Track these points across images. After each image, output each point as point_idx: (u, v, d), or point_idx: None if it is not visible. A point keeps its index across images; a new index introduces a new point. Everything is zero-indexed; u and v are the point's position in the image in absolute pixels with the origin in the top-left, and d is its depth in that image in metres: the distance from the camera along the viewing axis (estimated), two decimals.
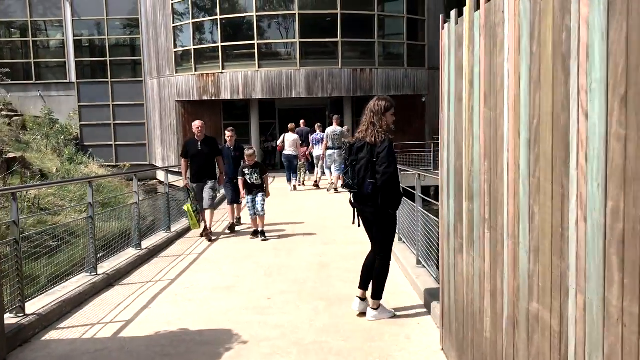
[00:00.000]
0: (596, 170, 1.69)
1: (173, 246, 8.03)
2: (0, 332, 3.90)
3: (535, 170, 2.18)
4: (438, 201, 4.06)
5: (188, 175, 8.51)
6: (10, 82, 24.18)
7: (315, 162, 14.67)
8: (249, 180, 8.12)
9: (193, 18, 20.71)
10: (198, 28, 21.00)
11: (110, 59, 24.71)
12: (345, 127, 15.11)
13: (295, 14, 19.39)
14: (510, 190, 2.46)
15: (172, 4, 21.10)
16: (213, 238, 8.30)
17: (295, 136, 14.25)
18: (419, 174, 6.26)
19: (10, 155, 12.60)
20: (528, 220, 2.26)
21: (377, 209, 4.43)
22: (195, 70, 20.46)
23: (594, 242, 1.72)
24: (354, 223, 4.73)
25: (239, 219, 9.35)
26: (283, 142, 14.39)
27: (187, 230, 8.85)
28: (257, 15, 19.59)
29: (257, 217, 8.11)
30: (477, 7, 2.87)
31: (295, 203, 12.20)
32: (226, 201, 9.76)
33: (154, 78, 22.80)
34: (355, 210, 4.66)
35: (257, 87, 19.59)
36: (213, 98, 20.29)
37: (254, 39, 19.59)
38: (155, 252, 7.47)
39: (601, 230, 1.66)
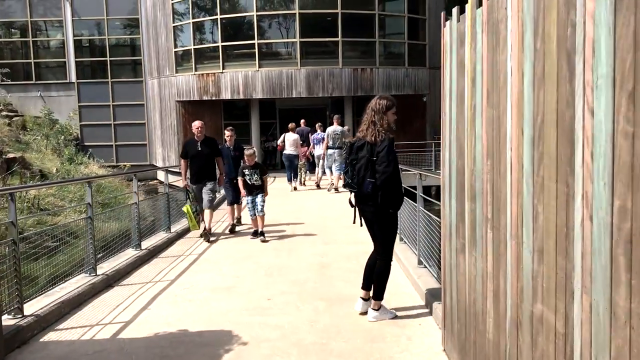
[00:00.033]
0: (602, 168, 1.65)
1: (173, 246, 7.99)
2: None
3: (539, 169, 2.14)
4: (439, 201, 4.03)
5: (188, 175, 8.47)
6: (10, 82, 24.18)
7: (316, 161, 14.65)
8: (248, 181, 8.08)
9: (193, 18, 20.68)
10: (198, 28, 20.97)
11: (111, 59, 24.68)
12: (346, 127, 15.07)
13: (295, 13, 19.36)
14: (514, 190, 2.42)
15: (172, 3, 21.06)
16: (212, 239, 8.26)
17: (296, 136, 14.23)
18: (420, 174, 6.22)
19: (10, 155, 12.57)
20: (532, 220, 2.22)
21: (377, 208, 4.40)
22: (196, 70, 20.43)
23: (600, 242, 1.68)
24: (354, 222, 4.70)
25: (239, 219, 9.30)
26: (283, 141, 14.37)
27: (187, 230, 8.81)
28: (257, 15, 19.55)
29: (257, 217, 8.07)
30: (480, 4, 2.83)
31: (295, 203, 12.17)
32: (226, 202, 9.71)
33: (154, 78, 22.77)
34: (357, 209, 4.63)
35: (257, 87, 19.55)
36: (213, 98, 20.26)
37: (254, 39, 19.55)
38: (155, 252, 7.44)
39: (607, 230, 1.63)
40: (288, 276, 6.05)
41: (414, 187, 6.21)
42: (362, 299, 4.75)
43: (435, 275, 5.24)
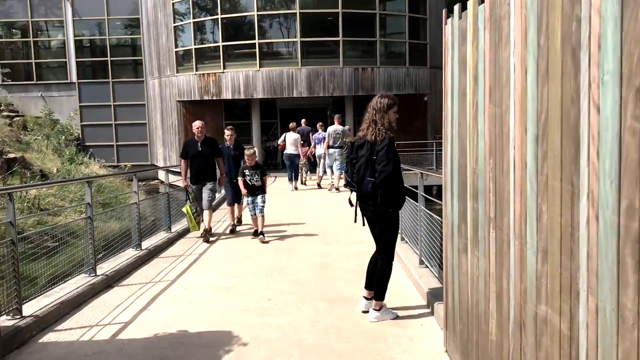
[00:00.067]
0: (609, 166, 1.61)
1: (173, 246, 7.95)
2: None
3: (543, 168, 2.10)
4: (441, 200, 3.99)
5: (188, 175, 8.42)
6: (11, 82, 24.18)
7: (317, 161, 14.64)
8: (249, 182, 8.03)
9: (194, 18, 20.65)
10: (199, 28, 20.94)
11: (111, 59, 24.66)
12: (347, 126, 15.07)
13: (296, 13, 19.32)
14: (517, 189, 2.38)
15: (173, 3, 21.04)
16: (212, 239, 8.23)
17: (297, 135, 14.23)
18: (422, 173, 6.18)
19: (11, 155, 12.55)
20: (536, 220, 2.19)
21: (377, 207, 4.38)
22: (197, 70, 20.40)
23: (606, 242, 1.64)
24: (355, 222, 4.67)
25: (239, 218, 9.24)
26: (284, 141, 14.37)
27: (187, 230, 8.77)
28: (258, 15, 19.52)
29: (257, 217, 8.03)
30: (482, 1, 2.79)
31: (296, 203, 12.13)
32: (226, 202, 9.67)
33: (155, 78, 22.75)
34: (358, 208, 4.60)
35: (258, 87, 19.52)
36: (214, 98, 20.23)
37: (255, 39, 19.52)
38: (155, 252, 7.40)
39: (614, 230, 1.59)
40: (288, 276, 6.01)
41: (415, 187, 6.17)
42: (365, 298, 4.73)
43: (437, 275, 5.20)
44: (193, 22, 20.62)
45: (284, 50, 20.45)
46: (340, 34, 19.31)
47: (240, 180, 8.07)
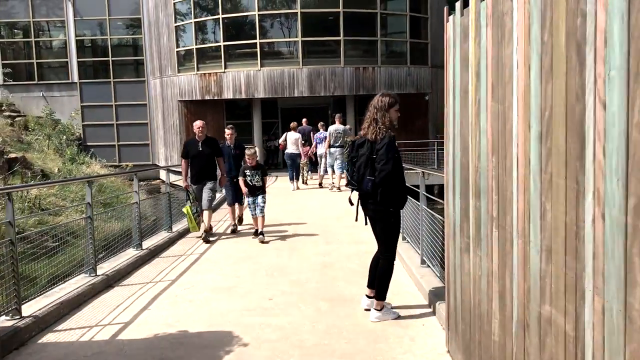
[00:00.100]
0: (615, 164, 1.58)
1: (174, 246, 7.92)
2: None
3: (547, 166, 2.07)
4: (442, 199, 3.96)
5: (189, 176, 8.38)
6: (13, 82, 24.17)
7: (318, 160, 14.63)
8: (250, 182, 7.99)
9: (195, 17, 20.63)
10: (200, 27, 20.91)
11: (113, 59, 24.63)
12: (348, 126, 15.05)
13: (297, 12, 19.29)
14: (520, 187, 2.34)
15: (174, 3, 21.01)
16: (213, 239, 8.19)
17: (298, 135, 14.23)
18: (423, 172, 6.14)
19: (12, 155, 12.53)
20: (539, 218, 2.15)
21: (377, 206, 4.36)
22: (198, 70, 20.38)
23: (613, 242, 1.60)
24: (357, 220, 4.65)
25: (240, 217, 9.18)
26: (285, 140, 14.37)
27: (188, 230, 8.72)
28: (259, 15, 19.49)
29: (258, 217, 7.99)
30: None
31: (297, 202, 12.10)
32: (226, 202, 9.62)
33: (157, 78, 22.73)
34: (360, 207, 4.57)
35: (259, 87, 19.50)
36: (215, 97, 20.21)
37: (256, 38, 19.49)
38: (156, 252, 7.38)
39: (621, 229, 1.55)
40: (289, 276, 5.98)
41: (417, 186, 6.14)
42: (367, 296, 4.71)
43: (439, 275, 5.16)
44: (194, 21, 20.60)
45: (285, 50, 20.42)
46: (342, 34, 19.28)
47: (241, 180, 8.03)
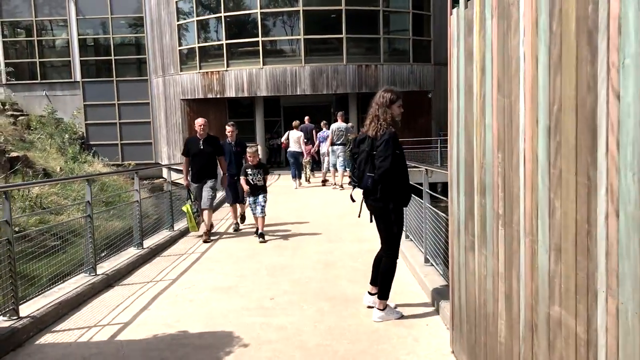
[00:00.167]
0: (630, 157, 1.49)
1: (176, 245, 7.86)
2: None
3: (556, 161, 1.98)
4: (446, 197, 3.87)
5: (190, 174, 8.29)
6: (15, 81, 24.15)
7: (321, 159, 14.61)
8: (251, 181, 7.88)
9: (197, 16, 20.56)
10: (203, 26, 20.84)
11: (115, 57, 24.57)
12: (350, 124, 15.00)
13: (299, 10, 19.19)
14: (527, 184, 2.26)
15: (177, 2, 20.94)
16: (214, 238, 8.11)
17: (300, 133, 14.26)
18: (426, 169, 6.06)
19: (13, 154, 12.49)
20: (548, 216, 2.07)
21: (377, 203, 4.31)
22: (200, 68, 20.31)
23: (628, 240, 1.52)
24: (359, 216, 4.58)
25: (242, 215, 9.08)
26: (287, 139, 14.37)
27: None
28: (261, 13, 19.41)
29: (258, 218, 7.89)
30: None
31: (300, 200, 12.03)
32: (226, 201, 9.53)
33: (159, 76, 22.67)
34: (363, 204, 4.51)
35: (261, 85, 19.42)
36: (218, 96, 20.14)
37: (258, 37, 19.41)
38: (157, 251, 7.31)
39: (637, 226, 1.47)
40: (291, 275, 5.90)
41: (420, 184, 6.05)
42: (370, 293, 4.65)
43: (443, 274, 5.07)
44: (197, 20, 20.53)
45: (287, 48, 20.32)
46: (344, 31, 19.17)
47: (242, 179, 7.92)
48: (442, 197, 5.25)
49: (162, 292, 5.43)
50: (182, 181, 8.51)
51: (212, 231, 8.34)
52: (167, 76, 21.92)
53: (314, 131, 15.08)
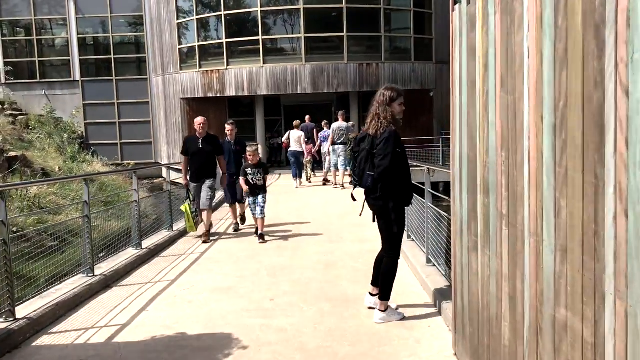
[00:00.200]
0: None
1: (175, 245, 7.80)
2: None
3: (562, 159, 1.93)
4: (448, 196, 3.82)
5: (189, 173, 8.22)
6: (14, 81, 24.09)
7: (323, 158, 14.59)
8: (251, 181, 7.81)
9: (197, 15, 20.50)
10: (202, 25, 20.78)
11: (115, 56, 24.51)
12: (351, 123, 14.98)
13: (300, 8, 19.13)
14: (532, 183, 2.20)
15: (176, 0, 20.88)
16: (213, 238, 8.05)
17: (301, 133, 14.26)
18: (429, 168, 6.00)
19: (12, 153, 12.44)
20: (553, 216, 2.01)
21: (377, 202, 4.26)
22: (200, 67, 20.26)
23: (637, 240, 1.46)
24: (361, 215, 4.53)
25: (242, 216, 9.01)
26: (288, 139, 14.38)
27: None
28: (261, 11, 19.35)
29: (257, 219, 7.82)
30: None
31: (300, 200, 11.97)
32: (226, 201, 9.46)
33: (159, 75, 22.62)
34: (366, 203, 4.45)
35: (262, 84, 19.36)
36: (218, 95, 20.08)
37: (258, 35, 19.35)
38: (156, 251, 7.26)
39: None
40: (291, 276, 5.85)
41: (422, 183, 5.99)
42: (371, 294, 4.59)
43: (445, 274, 5.02)
44: (196, 18, 20.47)
45: (287, 47, 20.25)
46: (345, 30, 19.10)
47: (241, 179, 7.84)
48: (444, 197, 5.19)
49: (160, 293, 5.37)
50: (181, 180, 8.44)
51: (212, 231, 8.28)
52: (167, 75, 21.87)
53: (314, 130, 15.05)
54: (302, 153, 14.23)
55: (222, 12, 19.65)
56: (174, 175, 10.96)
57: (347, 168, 12.53)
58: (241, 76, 19.49)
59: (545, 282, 2.10)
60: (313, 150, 14.74)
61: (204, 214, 7.98)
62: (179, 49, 21.07)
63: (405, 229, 5.94)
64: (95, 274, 5.70)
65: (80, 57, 24.61)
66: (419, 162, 8.91)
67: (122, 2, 24.22)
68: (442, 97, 20.23)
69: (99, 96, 24.27)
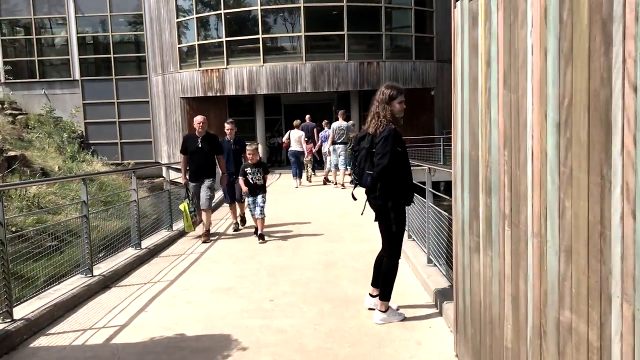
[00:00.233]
0: None
1: (174, 245, 7.76)
2: None
3: (567, 159, 1.88)
4: (449, 196, 3.77)
5: (188, 172, 8.17)
6: (14, 80, 24.04)
7: (323, 158, 14.57)
8: (251, 180, 7.76)
9: (197, 13, 20.44)
10: (202, 23, 20.73)
11: (115, 56, 24.45)
12: (351, 122, 14.94)
13: (300, 7, 19.07)
14: (535, 182, 2.16)
15: None
16: (213, 238, 8.01)
17: (301, 132, 14.25)
18: (429, 168, 5.95)
19: (11, 153, 12.40)
20: (558, 216, 1.97)
21: (377, 201, 4.22)
22: (200, 66, 20.21)
23: None
24: (362, 214, 4.50)
25: (242, 216, 8.97)
26: (288, 138, 14.37)
27: None
28: (261, 10, 19.29)
29: (257, 220, 7.77)
30: None
31: (300, 199, 11.93)
32: (225, 201, 9.41)
33: (159, 75, 22.57)
34: (367, 202, 4.41)
35: (262, 83, 19.31)
36: (218, 94, 20.04)
37: (258, 34, 19.30)
38: (155, 251, 7.21)
39: None
40: (291, 276, 5.81)
41: (423, 183, 5.95)
42: (371, 295, 4.55)
43: (446, 275, 4.97)
44: (196, 17, 20.42)
45: (288, 45, 20.20)
46: (345, 28, 19.04)
47: (241, 179, 7.79)
48: (445, 196, 5.15)
49: (159, 294, 5.33)
50: (181, 179, 8.39)
51: (211, 231, 8.23)
52: (167, 74, 21.83)
53: (315, 130, 15.02)
54: (302, 153, 14.21)
55: (222, 11, 19.60)
56: (174, 175, 10.93)
57: (348, 167, 12.50)
58: (241, 75, 19.44)
59: (549, 284, 2.06)
60: (313, 150, 14.72)
61: (204, 214, 7.93)
62: (179, 48, 21.03)
63: (406, 228, 5.89)
64: (94, 274, 5.66)
65: (80, 57, 24.56)
66: (420, 161, 8.86)
67: (121, 1, 24.16)
68: (443, 95, 20.18)
69: (98, 95, 24.22)
